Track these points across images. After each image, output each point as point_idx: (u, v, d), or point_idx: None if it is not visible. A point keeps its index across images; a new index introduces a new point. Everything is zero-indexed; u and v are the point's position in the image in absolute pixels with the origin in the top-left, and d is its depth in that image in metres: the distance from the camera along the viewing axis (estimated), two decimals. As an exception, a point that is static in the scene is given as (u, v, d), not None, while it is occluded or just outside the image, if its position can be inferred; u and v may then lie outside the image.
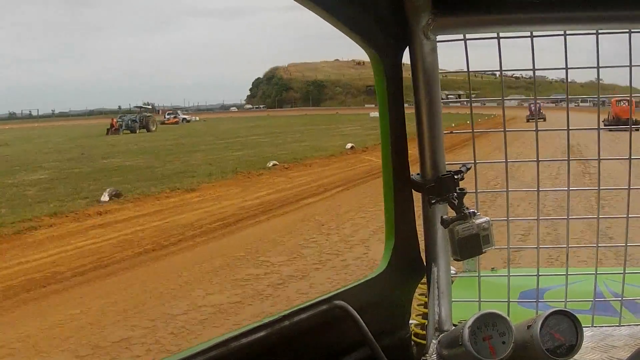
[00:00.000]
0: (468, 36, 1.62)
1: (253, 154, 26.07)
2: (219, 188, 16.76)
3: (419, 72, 1.58)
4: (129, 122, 52.23)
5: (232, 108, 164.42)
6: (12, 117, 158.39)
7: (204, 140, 37.24)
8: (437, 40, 1.59)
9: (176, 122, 72.71)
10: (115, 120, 53.14)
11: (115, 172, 20.67)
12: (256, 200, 14.83)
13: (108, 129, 50.27)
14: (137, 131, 50.66)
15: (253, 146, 30.88)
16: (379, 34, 1.55)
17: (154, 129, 52.79)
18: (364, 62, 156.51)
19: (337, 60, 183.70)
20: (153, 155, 26.93)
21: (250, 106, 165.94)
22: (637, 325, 1.72)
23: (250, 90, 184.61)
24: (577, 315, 1.35)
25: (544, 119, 19.81)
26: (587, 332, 1.39)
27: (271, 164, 21.12)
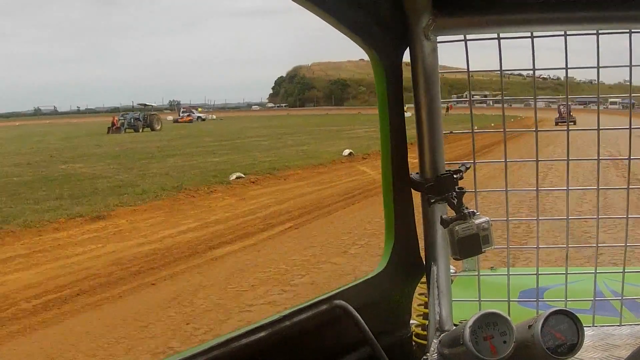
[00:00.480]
0: (468, 37, 1.62)
1: (233, 160, 22.21)
2: (139, 214, 12.57)
3: (419, 73, 1.59)
4: (132, 120, 50.98)
5: (254, 107, 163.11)
6: (37, 112, 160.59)
7: (199, 142, 33.98)
8: (438, 40, 1.59)
9: (190, 121, 71.38)
10: (116, 118, 52.21)
11: (52, 183, 16.80)
12: (155, 244, 10.20)
13: (109, 128, 49.48)
14: (141, 130, 49.54)
15: (245, 150, 27.36)
16: (379, 34, 1.55)
17: (158, 127, 51.66)
18: None
19: (362, 60, 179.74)
20: (122, 160, 23.49)
21: (272, 105, 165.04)
22: (638, 324, 1.73)
23: (273, 88, 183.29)
24: (577, 314, 1.35)
25: (574, 122, 19.29)
26: (587, 332, 1.39)
27: (234, 176, 16.82)
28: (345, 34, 1.48)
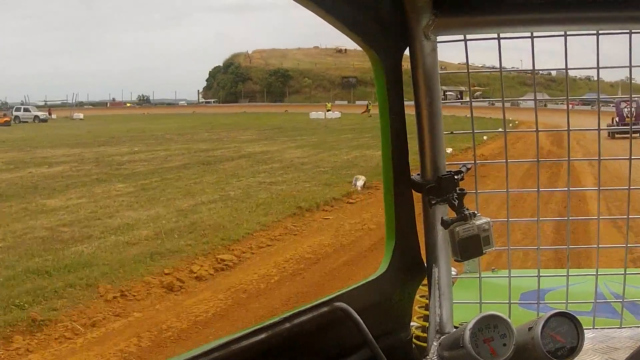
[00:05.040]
0: (468, 37, 1.62)
1: None
2: None
3: (419, 73, 1.58)
4: None
5: (181, 102, 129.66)
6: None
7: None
8: (438, 40, 1.59)
9: (5, 123, 53.40)
10: None
11: None
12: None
13: None
14: None
15: None
16: (379, 34, 1.55)
17: None
18: (346, 50, 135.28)
19: (316, 47, 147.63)
20: None
21: (203, 100, 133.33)
22: (639, 327, 1.72)
23: (207, 80, 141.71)
24: (578, 316, 1.35)
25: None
26: (588, 334, 1.39)
27: None
28: (344, 33, 1.47)
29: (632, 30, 1.54)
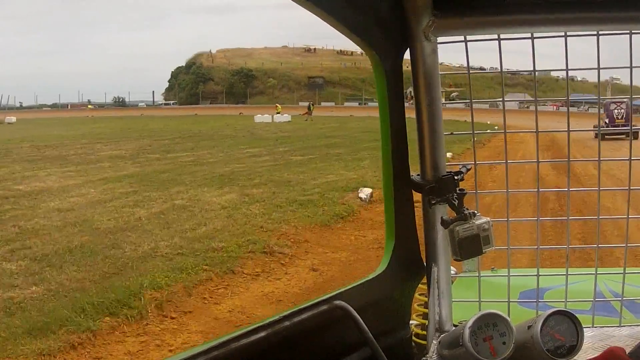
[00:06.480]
0: (468, 37, 1.62)
1: None
2: None
3: (420, 74, 1.59)
4: None
5: (140, 104, 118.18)
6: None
7: None
8: (438, 41, 1.59)
9: None
10: None
11: None
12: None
13: None
14: None
15: None
16: (379, 35, 1.55)
17: None
18: (315, 49, 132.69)
19: (285, 46, 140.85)
20: None
21: (163, 102, 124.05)
22: (638, 325, 1.72)
23: (169, 81, 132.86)
24: (577, 315, 1.36)
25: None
26: (587, 333, 1.39)
27: None
28: (345, 35, 1.48)
29: (632, 31, 1.55)
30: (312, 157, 21.04)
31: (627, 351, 1.42)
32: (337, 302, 1.52)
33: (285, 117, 55.62)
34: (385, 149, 1.64)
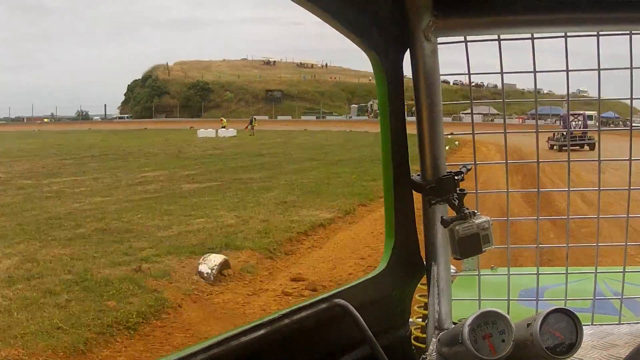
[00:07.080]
0: (469, 38, 1.63)
1: None
2: None
3: (420, 74, 1.59)
4: None
5: (95, 117, 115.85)
6: None
7: None
8: (438, 42, 1.60)
9: None
10: None
11: None
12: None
13: None
14: None
15: None
16: (379, 35, 1.55)
17: None
18: (274, 62, 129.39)
19: (244, 59, 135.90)
20: None
21: (117, 116, 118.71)
22: (637, 323, 1.74)
23: (125, 95, 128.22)
24: (576, 313, 1.36)
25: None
26: (587, 331, 1.40)
27: None
28: (345, 35, 1.48)
29: (633, 31, 1.56)
30: (211, 185, 17.15)
31: (625, 352, 1.44)
32: (337, 300, 1.52)
33: (230, 132, 53.18)
34: (385, 149, 1.64)
